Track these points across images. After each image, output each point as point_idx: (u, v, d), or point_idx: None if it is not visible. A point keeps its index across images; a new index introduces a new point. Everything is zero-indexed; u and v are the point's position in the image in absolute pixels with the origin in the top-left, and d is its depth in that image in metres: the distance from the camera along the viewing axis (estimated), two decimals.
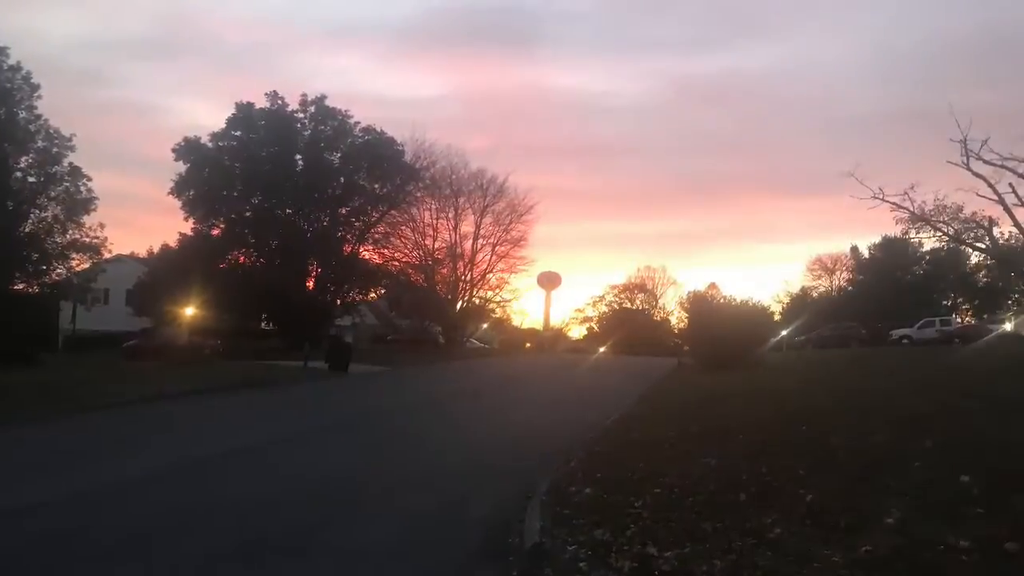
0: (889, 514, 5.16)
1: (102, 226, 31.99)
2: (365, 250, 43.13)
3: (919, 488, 5.79)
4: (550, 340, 59.42)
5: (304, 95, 39.25)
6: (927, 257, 57.49)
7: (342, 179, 40.30)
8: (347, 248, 41.06)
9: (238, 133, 38.39)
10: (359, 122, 40.10)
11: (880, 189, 26.58)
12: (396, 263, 46.16)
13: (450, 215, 49.42)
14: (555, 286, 57.68)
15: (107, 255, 34.20)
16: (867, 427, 8.66)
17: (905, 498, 5.57)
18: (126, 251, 53.03)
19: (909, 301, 50.91)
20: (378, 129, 40.22)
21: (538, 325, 65.07)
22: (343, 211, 40.76)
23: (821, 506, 5.50)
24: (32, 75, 29.68)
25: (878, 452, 7.24)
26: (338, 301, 41.45)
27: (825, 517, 5.24)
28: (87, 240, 31.60)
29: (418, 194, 44.80)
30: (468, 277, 51.05)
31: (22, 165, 30.27)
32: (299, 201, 38.85)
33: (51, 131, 30.33)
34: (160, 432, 12.21)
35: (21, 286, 30.80)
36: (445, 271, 50.30)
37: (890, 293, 53.01)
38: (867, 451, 7.30)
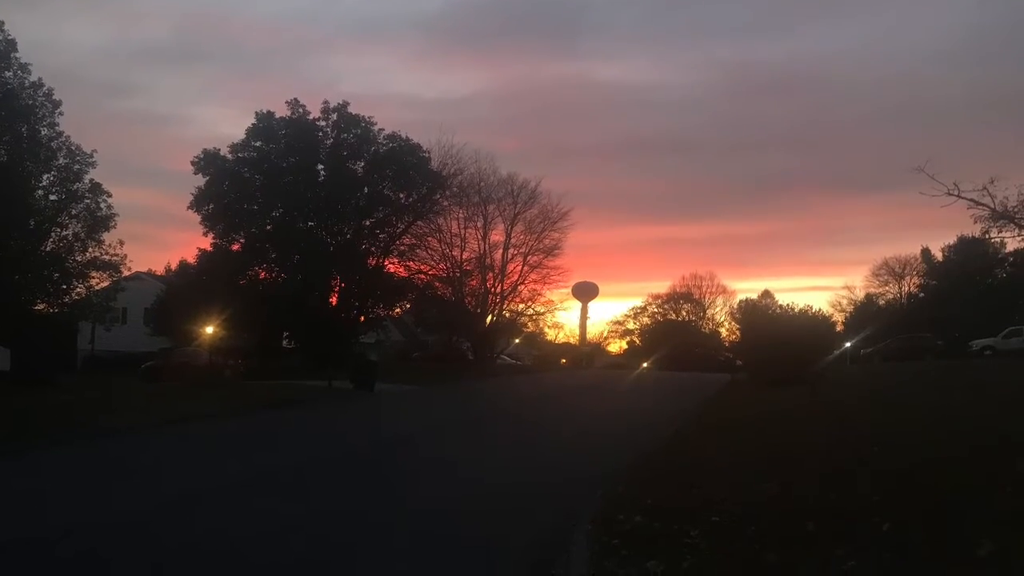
0: (980, 544, 4.94)
1: (121, 243, 32.82)
2: (390, 263, 43.52)
3: (1014, 516, 5.53)
4: (587, 355, 59.03)
5: (326, 102, 39.97)
6: (1010, 259, 55.49)
7: (366, 189, 40.82)
8: (371, 261, 41.49)
9: (258, 143, 39.21)
10: (383, 129, 40.65)
11: (955, 184, 25.67)
12: (422, 276, 46.43)
13: (479, 224, 49.55)
14: (592, 297, 57.41)
15: (126, 273, 35.16)
16: (950, 448, 8.35)
17: (997, 527, 5.33)
18: (144, 268, 54.76)
19: (990, 308, 49.17)
20: (403, 135, 40.72)
21: (574, 339, 64.83)
22: (367, 223, 41.23)
23: (900, 536, 5.30)
24: (54, 91, 30.89)
25: (964, 477, 6.96)
26: (362, 317, 41.92)
27: (906, 548, 5.04)
28: (107, 258, 32.51)
29: (445, 203, 45.08)
30: (498, 289, 51.13)
31: (44, 183, 31.44)
32: (321, 213, 39.48)
33: (73, 148, 31.42)
34: (181, 457, 12.46)
35: (42, 306, 31.88)
36: (474, 283, 50.39)
37: (968, 299, 51.31)
38: (950, 475, 7.03)
